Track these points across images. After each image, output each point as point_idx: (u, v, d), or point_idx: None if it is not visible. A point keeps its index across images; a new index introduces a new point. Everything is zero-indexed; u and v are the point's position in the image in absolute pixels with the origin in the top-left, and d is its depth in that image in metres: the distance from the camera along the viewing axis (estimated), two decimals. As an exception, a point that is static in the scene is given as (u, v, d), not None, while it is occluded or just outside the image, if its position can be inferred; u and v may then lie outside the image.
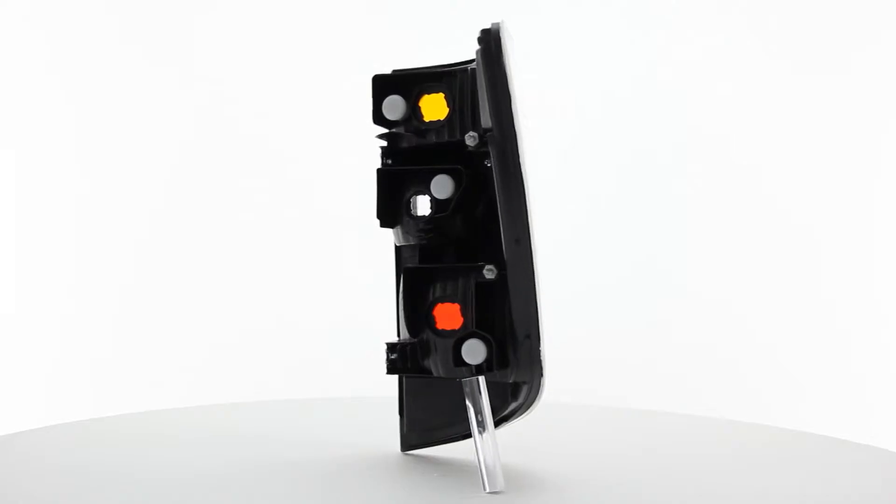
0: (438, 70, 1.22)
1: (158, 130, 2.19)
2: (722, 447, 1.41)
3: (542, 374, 1.18)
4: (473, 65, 1.20)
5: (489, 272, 1.16)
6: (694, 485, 1.21)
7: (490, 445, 1.16)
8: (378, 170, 1.21)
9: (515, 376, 1.19)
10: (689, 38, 2.15)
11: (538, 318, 1.16)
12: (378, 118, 1.21)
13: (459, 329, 1.17)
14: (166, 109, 2.19)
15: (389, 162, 1.22)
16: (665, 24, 2.15)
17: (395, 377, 1.30)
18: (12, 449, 1.33)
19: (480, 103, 1.17)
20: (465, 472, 1.24)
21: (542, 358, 1.17)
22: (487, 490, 1.15)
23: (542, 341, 1.16)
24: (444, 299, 1.18)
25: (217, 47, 2.20)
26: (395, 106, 1.20)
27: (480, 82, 1.16)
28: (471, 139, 1.17)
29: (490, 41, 1.15)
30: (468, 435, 1.24)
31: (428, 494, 1.15)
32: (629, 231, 2.15)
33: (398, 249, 1.27)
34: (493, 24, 1.17)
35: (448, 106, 1.20)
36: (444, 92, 1.20)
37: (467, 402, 1.18)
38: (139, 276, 2.19)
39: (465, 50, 1.26)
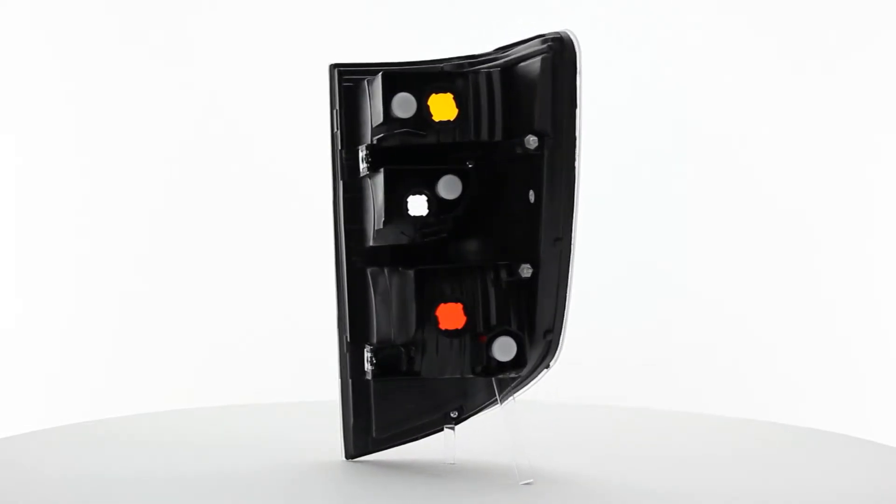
0: (449, 70, 1.21)
1: (158, 133, 2.19)
2: (724, 444, 1.41)
3: (547, 367, 1.19)
4: (481, 66, 1.20)
5: (526, 270, 1.17)
6: (697, 481, 1.21)
7: (521, 440, 1.18)
8: (386, 169, 1.18)
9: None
10: (690, 38, 2.15)
11: (564, 314, 1.18)
12: (387, 116, 1.18)
13: (463, 328, 1.18)
14: (167, 111, 2.19)
15: (371, 161, 1.20)
16: (665, 24, 2.15)
17: (340, 383, 1.26)
18: (6, 452, 1.33)
19: (539, 106, 1.17)
20: (454, 471, 1.24)
21: (557, 351, 1.19)
22: (522, 482, 1.17)
23: (563, 336, 1.18)
24: (450, 299, 1.18)
25: (217, 48, 2.20)
26: (406, 104, 1.18)
27: (544, 86, 1.17)
28: (532, 142, 1.17)
29: (564, 51, 1.17)
30: (425, 435, 1.26)
31: (452, 492, 1.16)
32: (629, 231, 2.15)
33: (350, 249, 1.23)
34: (563, 33, 1.19)
35: (457, 107, 1.19)
36: (452, 92, 1.19)
37: (499, 400, 1.19)
38: (139, 279, 2.19)
39: (457, 47, 1.27)
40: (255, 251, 2.18)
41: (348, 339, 1.24)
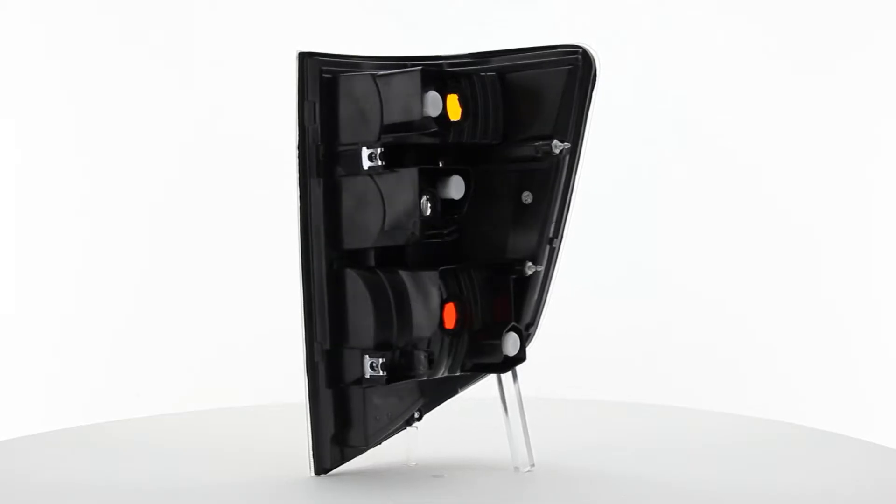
0: (458, 70, 1.21)
1: (159, 133, 2.19)
2: (723, 442, 1.42)
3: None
4: (487, 68, 1.22)
5: (530, 268, 1.22)
6: (694, 478, 1.22)
7: (522, 430, 1.22)
8: (420, 169, 1.17)
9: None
10: (690, 38, 2.15)
11: (544, 309, 1.23)
12: (422, 115, 1.16)
13: (471, 326, 1.20)
14: (168, 111, 2.19)
15: (387, 160, 1.18)
16: (665, 24, 2.15)
17: (308, 394, 1.23)
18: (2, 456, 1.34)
19: (560, 113, 1.21)
20: (448, 470, 1.25)
21: (529, 344, 1.24)
22: (525, 470, 1.22)
23: (538, 330, 1.23)
24: (460, 298, 1.19)
25: (218, 47, 2.20)
26: (436, 103, 1.17)
27: (568, 96, 1.21)
28: (558, 147, 1.21)
29: (588, 65, 1.23)
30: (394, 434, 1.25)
31: (457, 484, 1.18)
32: (629, 231, 2.15)
33: (329, 251, 1.21)
34: (585, 48, 1.23)
35: (461, 107, 1.19)
36: (458, 93, 1.19)
37: (502, 393, 1.22)
38: (139, 279, 2.19)
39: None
40: (256, 252, 2.18)
41: (327, 346, 1.21)
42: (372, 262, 1.21)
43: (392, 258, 1.22)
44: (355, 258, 1.21)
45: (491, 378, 1.24)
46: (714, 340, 2.12)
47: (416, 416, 1.25)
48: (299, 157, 1.21)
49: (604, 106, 2.13)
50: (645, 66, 2.15)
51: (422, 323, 1.18)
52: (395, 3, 2.20)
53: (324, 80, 1.20)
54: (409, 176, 1.17)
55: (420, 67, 1.18)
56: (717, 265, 2.14)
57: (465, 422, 1.44)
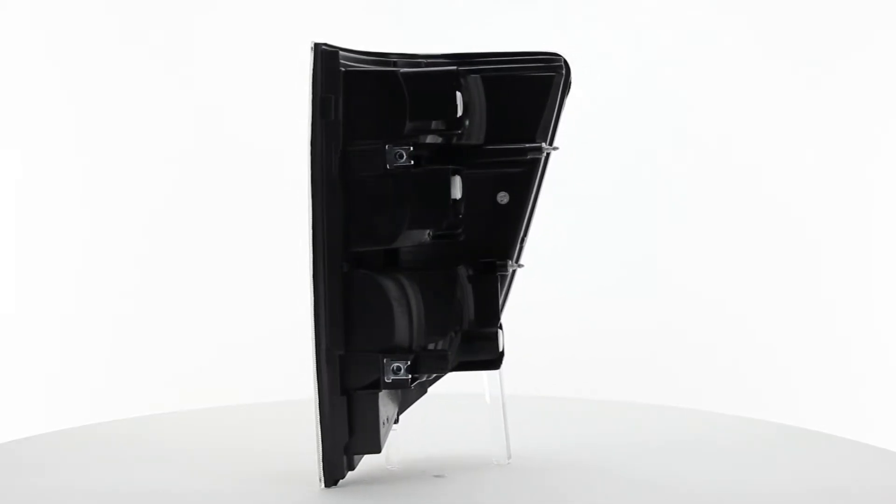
0: (455, 70, 1.21)
1: (159, 133, 2.19)
2: (721, 442, 1.42)
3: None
4: (479, 70, 1.22)
5: (512, 267, 1.25)
6: (692, 477, 1.22)
7: (503, 424, 1.25)
8: (450, 168, 1.19)
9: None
10: (689, 38, 2.15)
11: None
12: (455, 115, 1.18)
13: (466, 324, 1.22)
14: (168, 111, 2.19)
15: (416, 160, 1.16)
16: (665, 24, 2.15)
17: (318, 403, 1.17)
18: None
19: (544, 118, 1.24)
20: (449, 470, 1.25)
21: None
22: (503, 463, 1.25)
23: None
24: (462, 297, 1.21)
25: (218, 47, 2.20)
26: (460, 103, 1.18)
27: (552, 102, 1.23)
28: (546, 150, 1.25)
29: (567, 73, 1.23)
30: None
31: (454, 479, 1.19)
32: (628, 231, 2.15)
33: (344, 252, 1.16)
34: (561, 56, 1.24)
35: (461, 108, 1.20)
36: (459, 92, 1.19)
37: (487, 388, 1.25)
38: (140, 280, 2.20)
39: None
40: (256, 250, 2.18)
41: (341, 352, 1.16)
42: (380, 264, 1.20)
43: (388, 260, 1.22)
44: (360, 260, 1.19)
45: (473, 375, 1.25)
46: (714, 340, 2.12)
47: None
48: (311, 154, 1.16)
49: (603, 106, 2.14)
50: (644, 65, 2.16)
51: (443, 322, 1.19)
52: (394, 3, 2.21)
53: (339, 74, 1.15)
54: (442, 176, 1.17)
55: (454, 67, 1.19)
56: (717, 265, 2.14)
57: (448, 419, 1.45)
